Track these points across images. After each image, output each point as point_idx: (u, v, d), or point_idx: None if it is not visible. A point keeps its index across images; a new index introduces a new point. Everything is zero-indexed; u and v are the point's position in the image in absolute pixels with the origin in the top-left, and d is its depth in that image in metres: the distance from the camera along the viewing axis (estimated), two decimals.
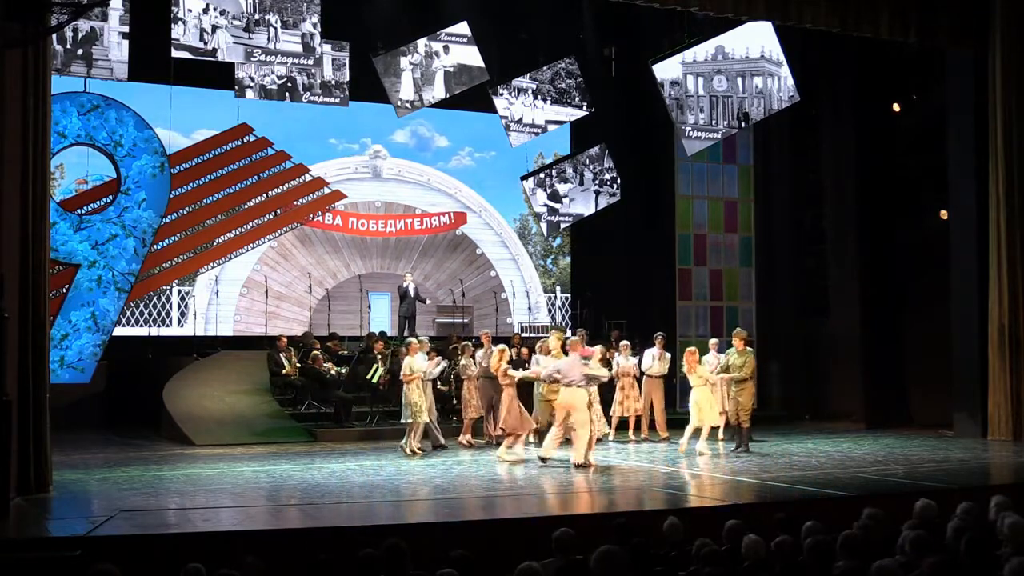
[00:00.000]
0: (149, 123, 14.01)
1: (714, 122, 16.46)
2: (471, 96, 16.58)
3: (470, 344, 14.32)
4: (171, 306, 17.67)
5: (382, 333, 16.68)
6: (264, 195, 16.66)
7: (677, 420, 15.09)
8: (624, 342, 15.14)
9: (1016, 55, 14.71)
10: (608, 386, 15.26)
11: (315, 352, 15.48)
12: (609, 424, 14.61)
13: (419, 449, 13.01)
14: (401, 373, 13.07)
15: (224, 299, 18.03)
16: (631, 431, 14.59)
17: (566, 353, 12.12)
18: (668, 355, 14.91)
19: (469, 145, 19.82)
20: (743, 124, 16.87)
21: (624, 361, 14.64)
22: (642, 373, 14.78)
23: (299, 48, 14.61)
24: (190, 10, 13.81)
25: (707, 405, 13.10)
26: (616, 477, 11.29)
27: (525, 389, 13.25)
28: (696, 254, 18.98)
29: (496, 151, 17.83)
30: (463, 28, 15.91)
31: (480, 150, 19.04)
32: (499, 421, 14.01)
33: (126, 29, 13.61)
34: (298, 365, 15.57)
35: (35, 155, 9.79)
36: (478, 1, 16.69)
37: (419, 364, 13.00)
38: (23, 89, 9.64)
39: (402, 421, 13.03)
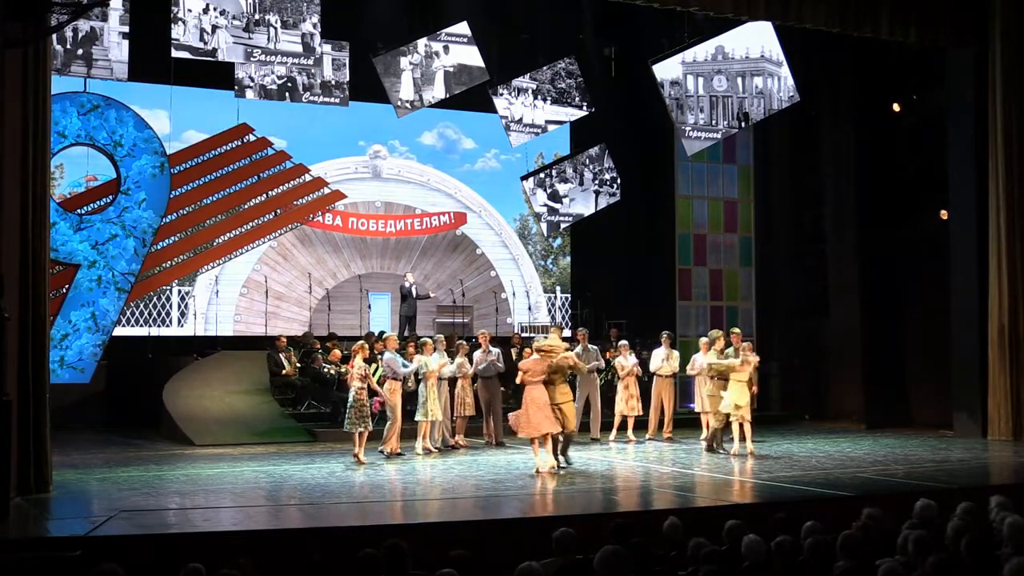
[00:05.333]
0: (149, 123, 14.02)
1: (714, 122, 16.46)
2: (479, 96, 16.58)
3: (465, 343, 14.31)
4: (171, 306, 17.67)
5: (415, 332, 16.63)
6: (264, 195, 16.64)
7: (678, 420, 15.13)
8: (623, 342, 15.14)
9: (1016, 55, 14.70)
10: (608, 386, 15.31)
11: (316, 351, 15.50)
12: (610, 426, 14.65)
13: (435, 448, 13.12)
14: (420, 372, 13.08)
15: (224, 299, 18.03)
16: (630, 431, 14.57)
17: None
18: (676, 352, 14.90)
19: (496, 147, 19.76)
20: (743, 124, 16.87)
21: (624, 361, 14.63)
22: (651, 374, 14.79)
23: (299, 48, 14.61)
24: (190, 10, 13.81)
25: (739, 399, 12.85)
26: (616, 477, 11.29)
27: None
28: (696, 254, 18.98)
29: (521, 152, 17.85)
30: (463, 28, 15.91)
31: (506, 152, 18.98)
32: (498, 421, 14.05)
33: (126, 29, 13.60)
34: (298, 365, 15.59)
35: (35, 155, 9.80)
36: (478, 1, 16.68)
37: (434, 363, 13.04)
38: (23, 89, 9.64)
39: (416, 419, 13.09)
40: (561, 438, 11.63)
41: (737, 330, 13.95)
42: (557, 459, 11.49)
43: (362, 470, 11.61)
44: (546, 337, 12.34)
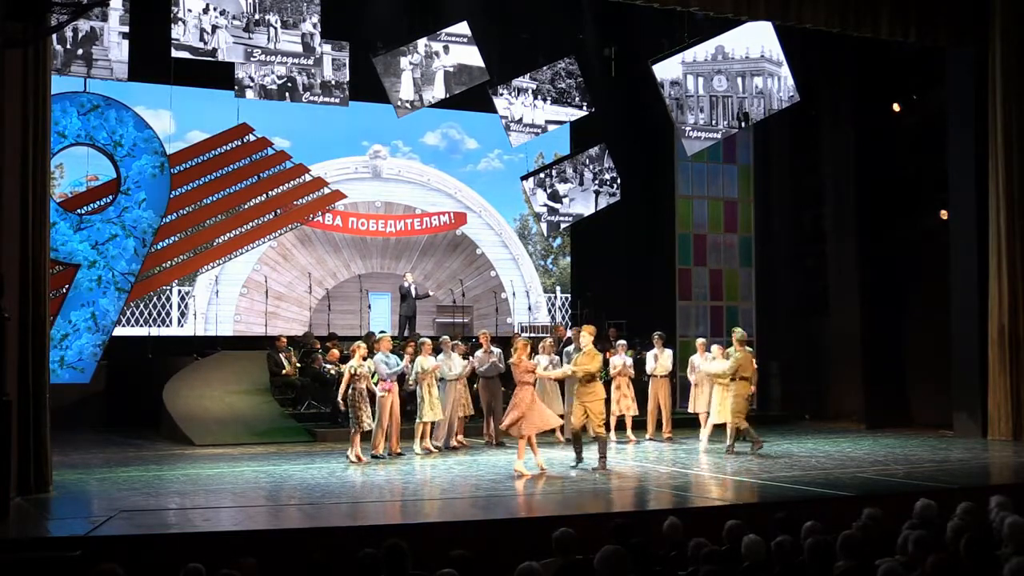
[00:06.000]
0: (149, 123, 14.03)
1: (714, 122, 16.46)
2: (482, 97, 16.57)
3: (460, 343, 14.27)
4: (171, 306, 17.68)
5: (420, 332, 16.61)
6: (264, 195, 16.64)
7: (679, 420, 15.13)
8: (621, 341, 15.13)
9: (1016, 55, 14.71)
10: (607, 386, 15.29)
11: (316, 351, 15.50)
12: (608, 426, 14.65)
13: (436, 448, 13.14)
14: (413, 372, 13.10)
15: (224, 299, 18.03)
16: (630, 431, 14.58)
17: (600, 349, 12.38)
18: (668, 351, 14.91)
19: (499, 147, 19.69)
20: (743, 124, 16.86)
21: (620, 361, 14.60)
22: (647, 374, 14.80)
23: (299, 48, 14.60)
24: (190, 10, 13.81)
25: (717, 401, 13.30)
26: (616, 477, 11.29)
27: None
28: (696, 254, 18.97)
29: (523, 152, 17.89)
30: (463, 28, 15.91)
31: (509, 152, 18.92)
32: (499, 421, 14.02)
33: (126, 29, 13.60)
34: (298, 365, 15.58)
35: (35, 155, 9.80)
36: (478, 1, 16.69)
37: (429, 364, 13.06)
38: (23, 89, 9.64)
39: (423, 420, 13.13)
40: (570, 437, 11.70)
41: (738, 329, 13.96)
42: (579, 457, 11.57)
43: (362, 470, 11.61)
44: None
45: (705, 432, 13.83)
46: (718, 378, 13.26)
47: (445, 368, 13.51)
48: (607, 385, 14.85)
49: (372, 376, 12.69)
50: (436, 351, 13.77)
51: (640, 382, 14.87)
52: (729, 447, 12.98)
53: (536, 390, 11.71)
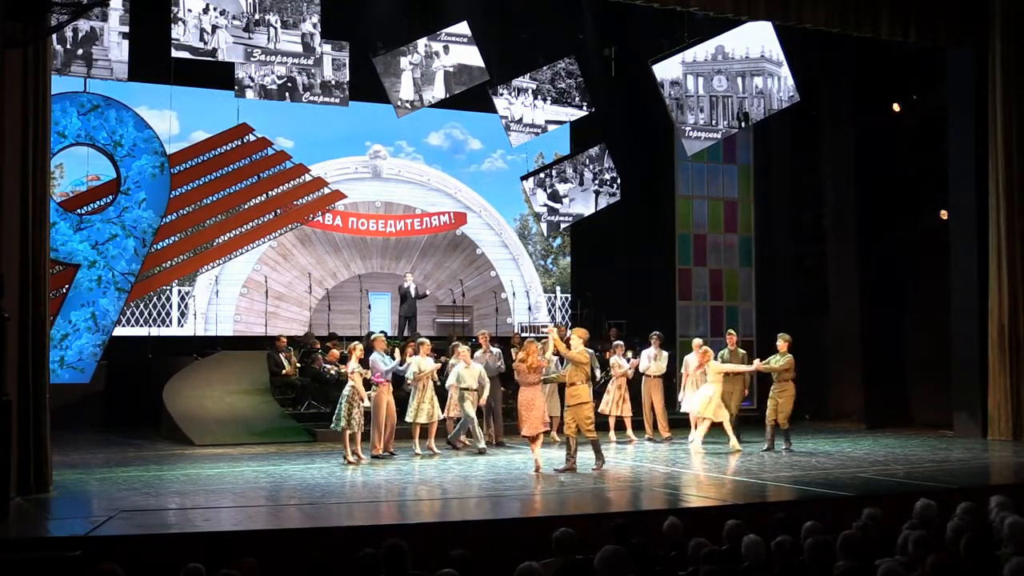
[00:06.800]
0: (151, 123, 14.03)
1: (714, 122, 16.45)
2: (485, 97, 16.56)
3: (459, 343, 14.30)
4: (171, 306, 17.67)
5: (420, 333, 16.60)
6: (264, 195, 16.62)
7: (677, 420, 15.11)
8: (618, 342, 15.12)
9: (1016, 55, 14.71)
10: (602, 387, 15.29)
11: (316, 351, 15.49)
12: (607, 426, 14.64)
13: (438, 450, 13.14)
14: (409, 372, 13.10)
15: (224, 299, 18.03)
16: (630, 431, 14.58)
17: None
18: (665, 353, 14.91)
19: (502, 148, 19.62)
20: (743, 124, 16.86)
21: (616, 361, 14.57)
22: (641, 373, 14.80)
23: (299, 48, 14.60)
24: (190, 10, 13.81)
25: (712, 401, 13.28)
26: (615, 477, 11.29)
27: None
28: (696, 254, 18.95)
29: (527, 153, 17.89)
30: (463, 28, 15.91)
31: (512, 152, 18.88)
32: (498, 421, 14.03)
33: (126, 29, 13.60)
34: (298, 365, 15.58)
35: (35, 155, 9.80)
36: (478, 1, 16.70)
37: (426, 365, 13.07)
38: (23, 89, 9.65)
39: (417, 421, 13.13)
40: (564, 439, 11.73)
41: (733, 331, 13.95)
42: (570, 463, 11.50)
43: (361, 470, 11.61)
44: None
45: (700, 432, 13.81)
46: (776, 373, 13.45)
47: (453, 377, 13.44)
48: (606, 384, 14.93)
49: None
50: (440, 352, 13.75)
51: (635, 382, 14.83)
52: (786, 446, 13.22)
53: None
